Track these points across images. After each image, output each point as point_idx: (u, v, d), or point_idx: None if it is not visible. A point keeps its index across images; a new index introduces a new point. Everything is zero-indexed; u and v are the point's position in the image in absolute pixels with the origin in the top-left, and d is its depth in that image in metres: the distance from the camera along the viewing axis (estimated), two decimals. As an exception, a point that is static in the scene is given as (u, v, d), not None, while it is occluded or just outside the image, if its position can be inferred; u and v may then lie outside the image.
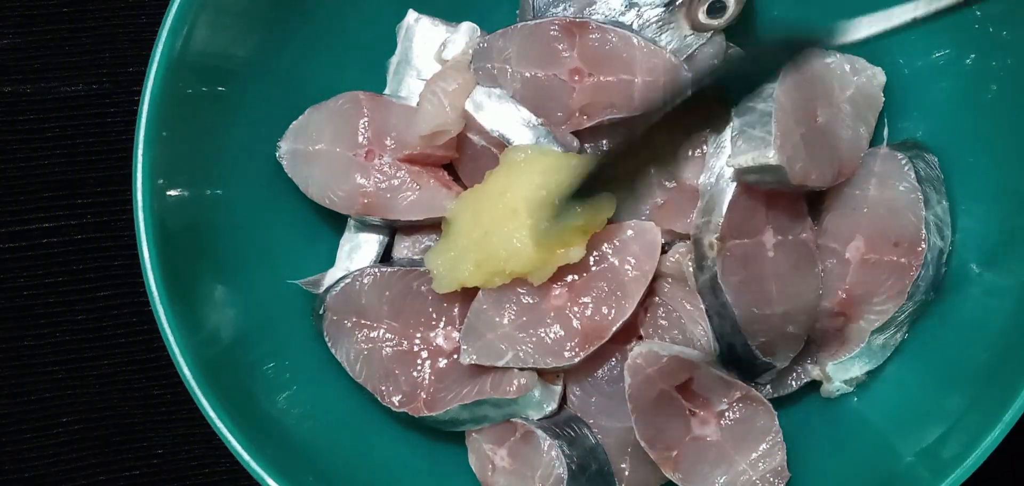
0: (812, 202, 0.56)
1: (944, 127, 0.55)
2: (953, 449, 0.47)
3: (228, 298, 0.54)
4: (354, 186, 0.56)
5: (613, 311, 0.53)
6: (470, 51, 0.57)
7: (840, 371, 0.55)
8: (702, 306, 0.54)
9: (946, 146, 0.55)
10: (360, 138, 0.56)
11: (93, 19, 0.67)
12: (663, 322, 0.55)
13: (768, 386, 0.56)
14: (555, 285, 0.54)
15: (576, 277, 0.54)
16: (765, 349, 0.53)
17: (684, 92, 0.44)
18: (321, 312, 0.56)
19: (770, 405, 0.53)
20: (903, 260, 0.53)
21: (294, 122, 0.57)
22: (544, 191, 0.52)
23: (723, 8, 0.55)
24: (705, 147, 0.55)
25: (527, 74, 0.56)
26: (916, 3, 0.41)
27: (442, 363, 0.55)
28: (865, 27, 0.42)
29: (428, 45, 0.58)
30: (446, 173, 0.58)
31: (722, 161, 0.53)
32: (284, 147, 0.57)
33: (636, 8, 0.56)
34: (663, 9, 0.56)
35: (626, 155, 0.47)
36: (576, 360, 0.53)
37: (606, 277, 0.54)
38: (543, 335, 0.53)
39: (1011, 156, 0.51)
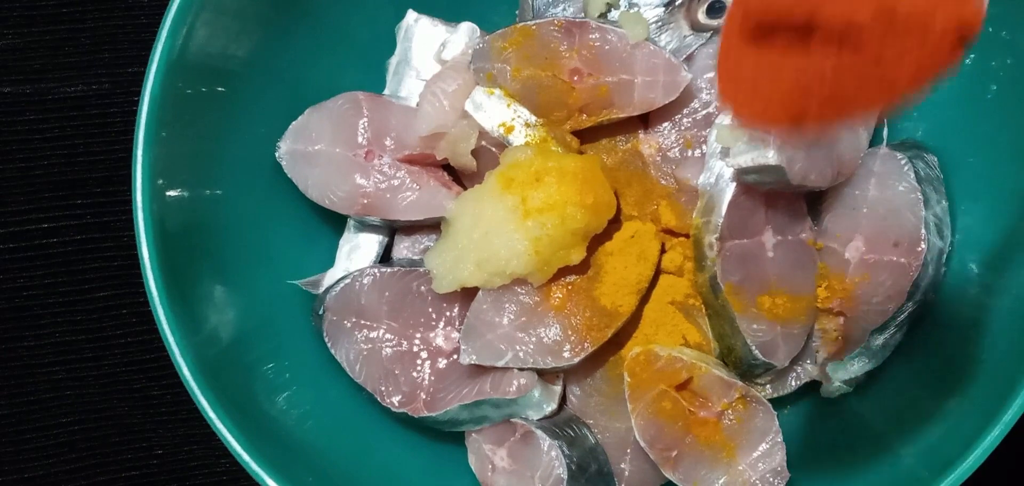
0: (812, 202, 0.56)
1: (944, 127, 0.55)
2: (953, 449, 0.47)
3: (228, 298, 0.54)
4: (354, 186, 0.56)
5: (613, 311, 0.53)
6: (470, 51, 0.57)
7: (840, 371, 0.54)
8: (702, 306, 0.54)
9: (946, 146, 0.55)
10: (360, 138, 0.56)
11: (93, 19, 0.67)
12: (663, 322, 0.55)
13: (768, 386, 0.56)
14: (555, 285, 0.54)
15: (576, 277, 0.54)
16: (765, 349, 0.53)
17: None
18: (321, 312, 0.56)
19: (770, 405, 0.53)
20: (903, 260, 0.53)
21: (294, 122, 0.57)
22: (544, 191, 0.52)
23: (723, 8, 0.55)
24: (705, 147, 0.55)
25: (527, 74, 0.55)
26: None
27: (442, 363, 0.55)
28: None
29: (428, 45, 0.58)
30: (446, 173, 0.58)
31: (722, 161, 0.53)
32: (284, 147, 0.57)
33: (636, 8, 0.56)
34: (663, 9, 0.56)
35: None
36: (576, 360, 0.53)
37: (605, 278, 0.54)
38: (543, 335, 0.53)
39: (1011, 156, 0.51)
